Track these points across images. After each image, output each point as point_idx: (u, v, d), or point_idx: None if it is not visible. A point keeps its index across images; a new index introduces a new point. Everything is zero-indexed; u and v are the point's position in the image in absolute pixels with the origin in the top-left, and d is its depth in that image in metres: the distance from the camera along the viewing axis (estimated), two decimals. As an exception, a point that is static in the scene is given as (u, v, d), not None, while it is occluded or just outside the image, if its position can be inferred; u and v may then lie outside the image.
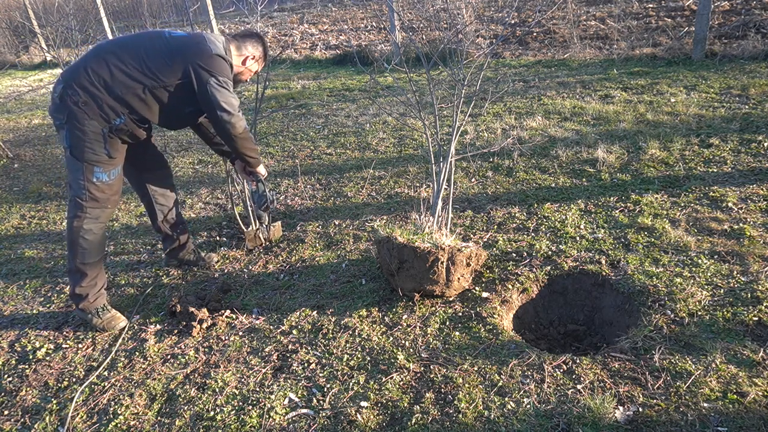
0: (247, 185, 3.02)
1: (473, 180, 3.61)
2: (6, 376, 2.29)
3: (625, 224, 2.85)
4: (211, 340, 2.36)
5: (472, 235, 2.95)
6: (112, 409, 2.04)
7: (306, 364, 2.16)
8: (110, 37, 9.12)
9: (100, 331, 2.51)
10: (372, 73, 5.04)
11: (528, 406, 1.85)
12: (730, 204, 2.91)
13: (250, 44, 2.60)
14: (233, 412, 1.96)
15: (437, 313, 2.36)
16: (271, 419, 1.91)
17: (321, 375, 2.09)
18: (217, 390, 2.08)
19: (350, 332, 2.31)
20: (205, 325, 2.43)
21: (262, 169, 2.80)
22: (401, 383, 2.01)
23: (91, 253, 2.44)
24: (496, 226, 3.01)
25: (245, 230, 3.10)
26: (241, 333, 2.39)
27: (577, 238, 2.79)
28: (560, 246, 2.73)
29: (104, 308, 2.52)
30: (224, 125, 2.43)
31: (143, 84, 2.31)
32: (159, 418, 1.98)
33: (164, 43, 2.36)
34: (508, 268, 2.61)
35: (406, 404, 1.91)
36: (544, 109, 4.71)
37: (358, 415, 1.88)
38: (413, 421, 1.83)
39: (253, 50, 2.60)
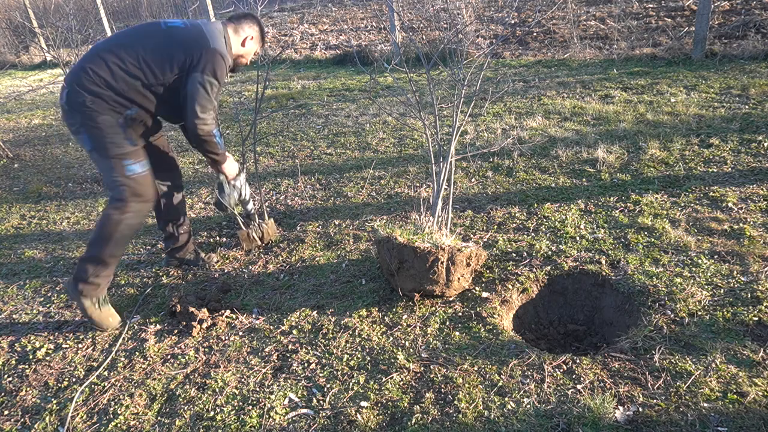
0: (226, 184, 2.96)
1: (473, 180, 3.61)
2: (6, 376, 2.29)
3: (625, 224, 2.85)
4: (211, 340, 2.36)
5: (472, 235, 2.95)
6: (112, 409, 2.04)
7: (306, 364, 2.16)
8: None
9: (92, 324, 2.50)
10: (372, 73, 5.05)
11: (528, 406, 1.85)
12: (730, 204, 2.91)
13: (247, 25, 2.62)
14: (233, 412, 1.96)
15: (437, 313, 2.36)
16: (271, 419, 1.91)
17: (321, 375, 2.09)
18: (217, 390, 2.08)
19: (350, 332, 2.31)
20: (205, 325, 2.43)
21: (228, 167, 2.73)
22: (401, 383, 2.01)
23: (121, 247, 2.47)
24: (496, 226, 3.01)
25: (238, 232, 3.10)
26: (241, 333, 2.39)
27: (577, 238, 2.79)
28: (560, 246, 2.73)
29: (105, 300, 2.52)
30: (193, 121, 2.42)
31: (141, 80, 2.34)
32: (159, 418, 1.98)
33: (161, 39, 2.38)
34: (508, 268, 2.61)
35: (406, 404, 1.91)
36: (544, 109, 4.71)
37: (358, 415, 1.88)
38: (413, 421, 1.83)
39: (250, 30, 2.62)
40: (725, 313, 2.15)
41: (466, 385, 1.96)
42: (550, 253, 2.69)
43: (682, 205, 2.97)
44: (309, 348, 2.25)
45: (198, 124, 2.43)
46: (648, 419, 1.74)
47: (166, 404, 2.04)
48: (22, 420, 2.04)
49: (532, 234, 2.88)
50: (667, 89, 4.76)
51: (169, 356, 2.30)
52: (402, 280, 2.39)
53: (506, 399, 1.88)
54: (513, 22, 7.67)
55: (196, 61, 2.36)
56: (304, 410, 1.94)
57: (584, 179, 3.41)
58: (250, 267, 2.92)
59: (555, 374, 1.97)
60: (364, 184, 3.73)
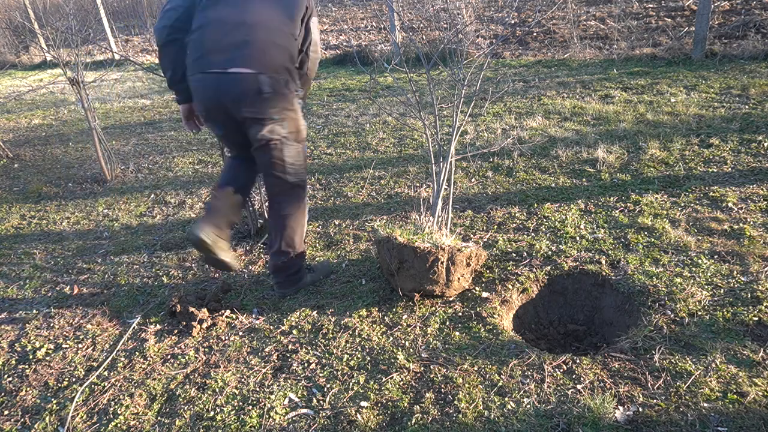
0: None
1: (473, 180, 3.61)
2: (6, 376, 2.29)
3: (625, 224, 2.85)
4: (211, 340, 2.36)
5: (472, 235, 2.95)
6: (112, 409, 2.04)
7: (306, 364, 2.16)
8: (110, 36, 9.11)
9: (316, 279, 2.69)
10: (372, 73, 5.06)
11: (528, 406, 1.85)
12: (730, 204, 2.91)
13: None
14: (233, 412, 1.96)
15: (437, 313, 2.36)
16: (271, 419, 1.91)
17: (321, 375, 2.09)
18: (217, 390, 2.08)
19: (350, 332, 2.31)
20: (205, 325, 2.43)
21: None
22: (401, 383, 2.01)
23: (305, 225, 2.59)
24: (496, 226, 3.01)
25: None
26: (241, 333, 2.39)
27: (577, 238, 2.79)
28: (560, 246, 2.73)
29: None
30: (318, 58, 2.46)
31: (296, 41, 2.33)
32: (159, 418, 1.98)
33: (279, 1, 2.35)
34: (508, 268, 2.61)
35: (406, 404, 1.91)
36: (544, 109, 4.71)
37: (358, 415, 1.88)
38: (413, 421, 1.83)
39: None
40: (725, 313, 2.15)
41: (466, 385, 1.96)
42: (550, 253, 2.69)
43: (682, 205, 2.97)
44: (309, 348, 2.25)
45: (319, 56, 2.47)
46: (648, 419, 1.74)
47: (166, 404, 2.04)
48: (22, 420, 2.04)
49: (532, 234, 2.88)
50: (667, 89, 4.76)
51: (169, 356, 2.30)
52: (402, 280, 2.39)
53: (506, 399, 1.88)
54: (513, 22, 7.67)
55: (310, 6, 2.36)
56: (304, 410, 1.94)
57: (584, 179, 3.41)
58: (250, 267, 2.92)
59: (555, 374, 1.97)
60: (364, 184, 3.73)
